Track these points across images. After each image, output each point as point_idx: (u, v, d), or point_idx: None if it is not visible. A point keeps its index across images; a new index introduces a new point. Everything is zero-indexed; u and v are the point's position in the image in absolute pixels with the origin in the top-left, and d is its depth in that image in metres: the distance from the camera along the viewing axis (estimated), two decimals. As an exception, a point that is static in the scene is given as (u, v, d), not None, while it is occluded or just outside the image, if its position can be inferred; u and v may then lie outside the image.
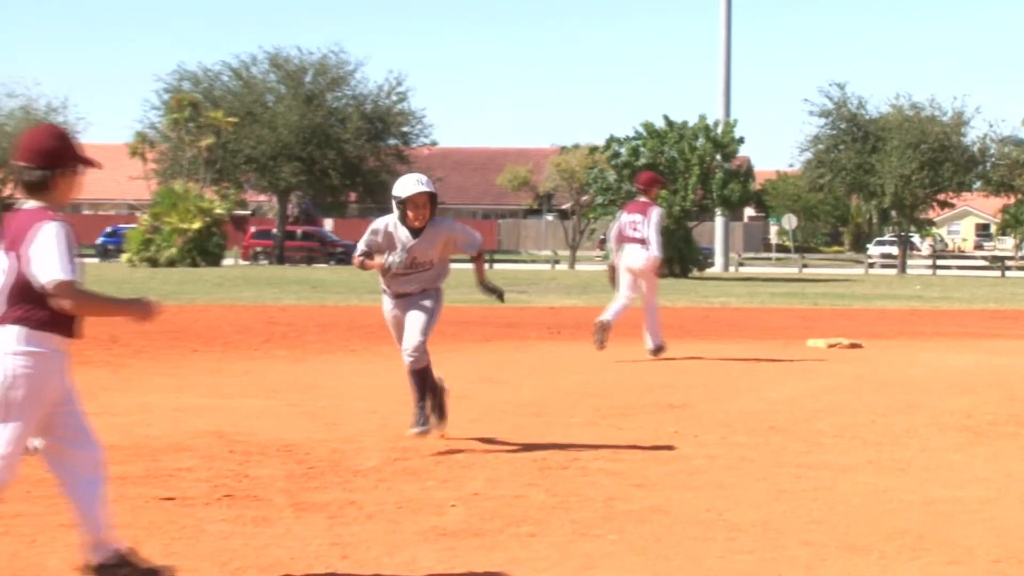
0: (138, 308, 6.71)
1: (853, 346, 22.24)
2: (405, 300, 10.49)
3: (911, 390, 16.39)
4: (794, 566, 7.43)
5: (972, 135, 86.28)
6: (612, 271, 20.65)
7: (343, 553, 7.63)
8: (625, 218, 20.58)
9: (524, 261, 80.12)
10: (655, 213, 20.08)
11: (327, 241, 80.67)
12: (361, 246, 10.54)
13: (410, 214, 9.64)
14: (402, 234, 9.89)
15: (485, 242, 11.72)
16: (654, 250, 19.82)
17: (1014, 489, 9.91)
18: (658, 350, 20.14)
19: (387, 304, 10.80)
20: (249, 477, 10.01)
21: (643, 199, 20.71)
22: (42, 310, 6.37)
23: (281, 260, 76.87)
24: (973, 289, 52.47)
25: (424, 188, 9.65)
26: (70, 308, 6.20)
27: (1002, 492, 9.76)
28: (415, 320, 10.31)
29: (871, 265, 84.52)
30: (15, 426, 6.40)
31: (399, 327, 10.55)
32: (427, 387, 10.21)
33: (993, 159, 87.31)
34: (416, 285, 10.33)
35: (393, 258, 10.06)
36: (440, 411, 11.33)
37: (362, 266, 10.78)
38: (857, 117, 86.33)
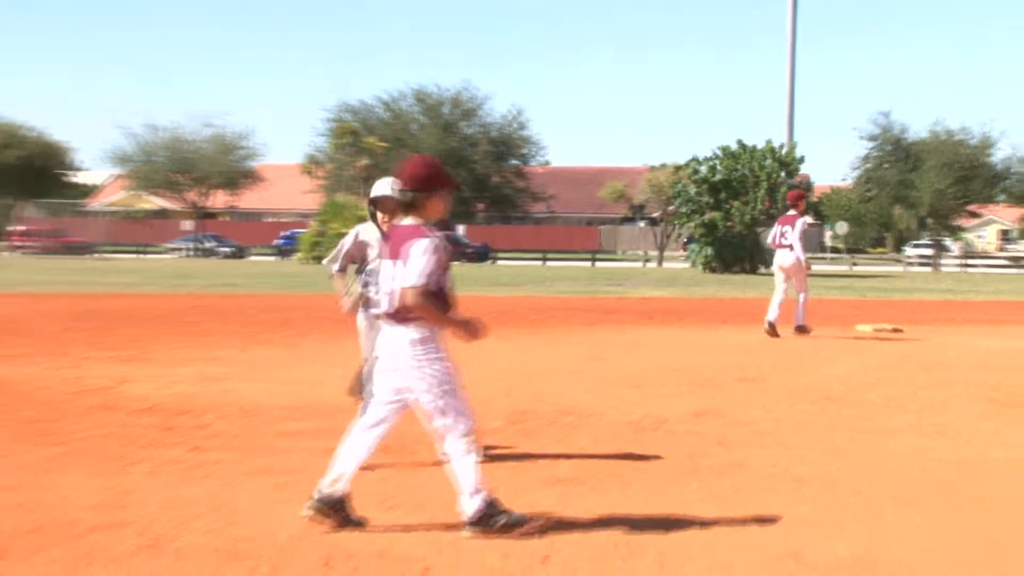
0: (468, 327, 6.80)
1: (895, 331, 21.95)
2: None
3: (946, 368, 16.19)
4: (849, 513, 7.39)
5: (998, 155, 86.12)
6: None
7: (566, 497, 7.73)
8: (776, 228, 21.53)
9: (620, 260, 79.76)
10: (799, 223, 20.94)
11: (459, 243, 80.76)
12: (330, 262, 8.72)
13: (380, 215, 8.30)
14: (372, 237, 8.38)
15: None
16: (798, 252, 20.75)
17: (1019, 446, 9.79)
18: (800, 330, 20.72)
19: (359, 318, 8.54)
20: (397, 428, 10.07)
21: (792, 212, 21.50)
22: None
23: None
24: (997, 284, 51.63)
25: (392, 193, 7.84)
26: (412, 309, 6.45)
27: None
28: None
29: (909, 264, 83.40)
30: (444, 394, 6.74)
31: (372, 341, 8.03)
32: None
33: (1015, 176, 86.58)
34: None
35: (345, 302, 8.57)
36: None
37: (334, 278, 8.72)
38: (900, 141, 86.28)
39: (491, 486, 6.79)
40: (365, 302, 8.30)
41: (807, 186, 63.47)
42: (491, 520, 6.64)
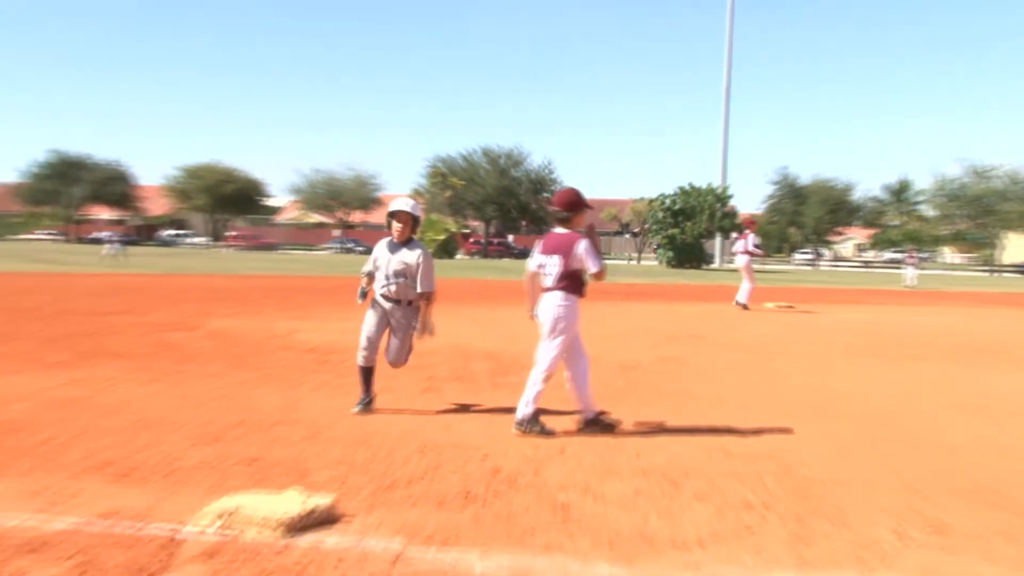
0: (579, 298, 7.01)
1: (789, 307, 21.84)
2: (391, 307, 7.26)
3: (820, 331, 16.04)
4: (759, 423, 7.38)
5: (856, 195, 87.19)
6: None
7: (517, 405, 7.69)
8: (739, 242, 21.90)
9: (613, 259, 79.35)
10: (751, 237, 21.55)
11: (510, 247, 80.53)
12: (366, 272, 7.49)
13: (394, 225, 7.14)
14: (388, 248, 7.28)
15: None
16: (744, 258, 21.29)
17: (877, 383, 9.71)
18: (740, 305, 20.79)
19: (372, 302, 7.39)
20: (469, 368, 10.08)
21: (745, 231, 22.19)
22: (573, 283, 6.84)
23: (485, 256, 76.98)
24: (853, 278, 51.17)
25: (406, 209, 7.16)
26: (597, 280, 6.85)
27: (871, 386, 9.57)
28: (395, 339, 7.25)
29: (798, 265, 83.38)
30: (561, 340, 6.79)
31: (370, 323, 7.27)
32: (370, 383, 7.30)
33: (865, 209, 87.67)
34: (401, 289, 7.21)
35: (359, 298, 7.46)
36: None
37: (364, 290, 7.48)
38: (793, 184, 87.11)
39: (541, 406, 6.84)
40: (385, 290, 7.31)
41: (733, 213, 63.25)
42: (530, 425, 6.70)
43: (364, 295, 7.44)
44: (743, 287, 21.05)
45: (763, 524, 4.77)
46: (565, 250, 6.78)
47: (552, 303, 6.78)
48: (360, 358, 7.33)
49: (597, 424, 6.95)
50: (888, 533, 4.71)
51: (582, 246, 6.75)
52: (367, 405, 7.30)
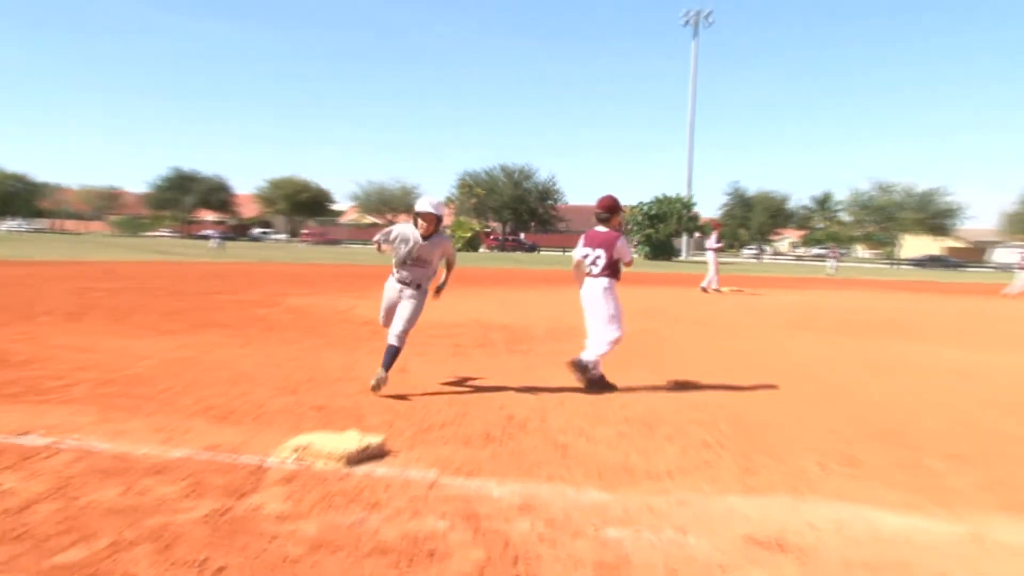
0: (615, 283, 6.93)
1: (738, 291, 21.72)
2: (405, 287, 6.42)
3: (761, 309, 15.96)
4: (711, 380, 7.31)
5: (791, 204, 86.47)
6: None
7: (527, 367, 7.65)
8: (712, 240, 21.00)
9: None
10: (714, 234, 21.03)
11: (522, 243, 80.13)
12: (380, 237, 6.53)
13: (421, 223, 6.28)
14: (415, 237, 6.34)
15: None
16: (711, 254, 20.93)
17: (806, 349, 9.68)
18: (703, 290, 20.61)
19: (391, 283, 6.53)
20: (488, 337, 10.04)
21: (714, 231, 21.50)
22: (613, 270, 6.82)
23: (502, 250, 76.73)
24: (789, 269, 50.88)
25: (431, 210, 6.28)
26: (628, 267, 6.97)
27: (801, 351, 9.52)
28: (404, 312, 6.37)
29: (746, 258, 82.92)
30: (614, 312, 6.76)
31: (390, 305, 6.54)
32: (391, 359, 6.27)
33: (798, 215, 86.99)
34: (416, 275, 6.38)
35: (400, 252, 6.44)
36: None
37: (379, 248, 6.57)
38: (743, 196, 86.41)
39: (602, 363, 6.82)
40: (400, 275, 6.46)
41: (696, 216, 62.89)
42: (584, 369, 6.69)
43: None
44: (708, 275, 20.92)
45: (718, 460, 4.74)
46: (608, 245, 6.77)
47: (599, 286, 6.74)
48: (384, 322, 6.65)
49: (602, 384, 6.79)
50: (813, 465, 4.67)
51: (621, 242, 6.81)
52: (381, 381, 6.15)
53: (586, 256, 6.87)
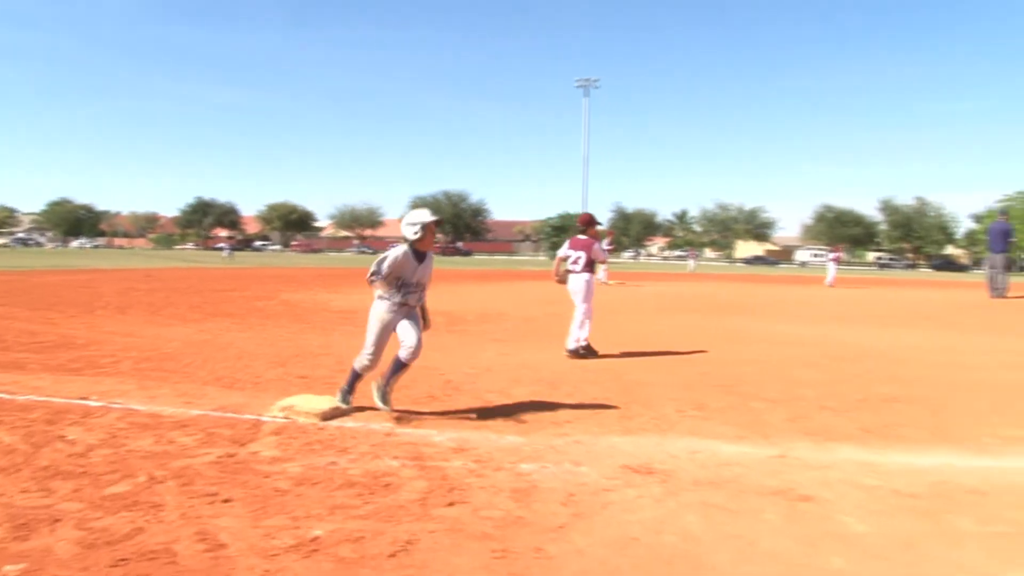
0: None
1: (622, 283, 21.64)
2: (405, 310, 4.38)
3: (641, 297, 16.21)
4: (627, 348, 7.39)
5: (659, 217, 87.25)
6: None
7: (462, 343, 7.53)
8: (605, 244, 18.94)
9: (522, 257, 79.42)
10: (606, 240, 20.42)
11: (459, 249, 78.61)
12: (385, 269, 4.23)
13: (428, 235, 4.36)
14: (413, 260, 4.31)
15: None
16: (604, 254, 20.50)
17: (671, 325, 9.82)
18: (601, 282, 20.16)
19: (382, 307, 4.36)
20: (431, 320, 9.90)
21: (607, 237, 20.86)
22: (590, 267, 6.94)
23: (444, 254, 75.21)
24: (659, 266, 51.61)
25: (437, 216, 4.48)
26: (601, 264, 6.74)
27: (667, 327, 9.67)
28: (415, 328, 4.38)
29: (630, 258, 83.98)
30: (590, 299, 6.97)
31: (386, 329, 4.37)
32: (398, 374, 4.40)
33: (664, 226, 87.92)
34: (415, 299, 4.41)
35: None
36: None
37: (372, 284, 4.33)
38: (625, 213, 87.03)
39: (585, 343, 6.86)
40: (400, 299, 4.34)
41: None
42: (577, 353, 6.79)
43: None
44: (600, 271, 20.93)
45: (604, 409, 4.79)
46: (588, 248, 7.00)
47: (581, 280, 6.97)
48: (366, 362, 4.47)
49: (588, 352, 6.90)
50: (673, 412, 4.76)
51: (597, 246, 7.03)
52: (347, 406, 4.44)
53: (568, 256, 7.06)
